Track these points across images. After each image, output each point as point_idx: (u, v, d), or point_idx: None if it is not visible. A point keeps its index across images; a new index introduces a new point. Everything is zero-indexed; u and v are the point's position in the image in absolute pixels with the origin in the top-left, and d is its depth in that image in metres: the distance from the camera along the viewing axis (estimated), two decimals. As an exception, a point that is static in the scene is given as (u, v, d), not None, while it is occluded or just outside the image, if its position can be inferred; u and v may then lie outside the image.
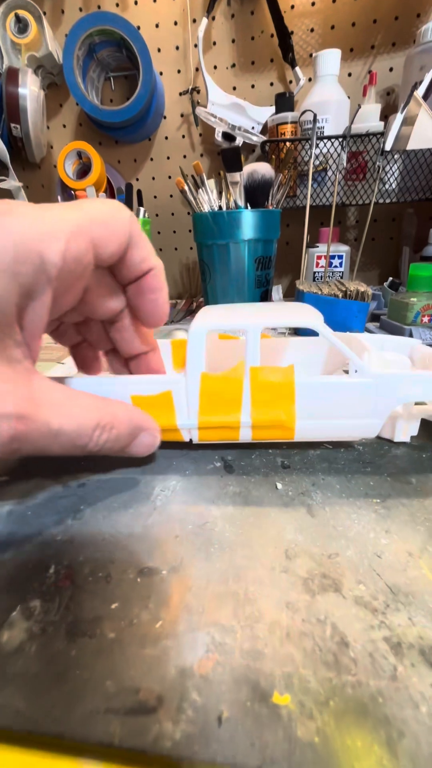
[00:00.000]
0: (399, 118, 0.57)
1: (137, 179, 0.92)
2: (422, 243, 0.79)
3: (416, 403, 0.29)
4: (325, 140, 0.67)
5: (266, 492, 0.25)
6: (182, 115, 0.86)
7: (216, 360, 0.36)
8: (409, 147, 0.56)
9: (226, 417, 0.27)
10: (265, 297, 0.68)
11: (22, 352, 0.19)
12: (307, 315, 0.28)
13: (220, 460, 0.28)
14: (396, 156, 0.68)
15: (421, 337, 0.55)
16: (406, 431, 0.30)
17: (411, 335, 0.55)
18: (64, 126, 0.90)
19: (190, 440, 0.29)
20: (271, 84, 0.82)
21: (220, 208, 0.63)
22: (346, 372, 0.36)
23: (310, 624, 0.16)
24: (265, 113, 0.80)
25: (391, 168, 0.69)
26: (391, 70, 0.78)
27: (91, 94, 0.80)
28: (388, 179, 0.71)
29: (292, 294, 0.94)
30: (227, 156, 0.55)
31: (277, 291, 0.93)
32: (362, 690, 0.14)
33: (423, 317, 0.56)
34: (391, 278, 0.70)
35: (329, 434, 0.28)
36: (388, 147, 0.58)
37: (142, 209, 0.71)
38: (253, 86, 0.82)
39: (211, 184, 0.65)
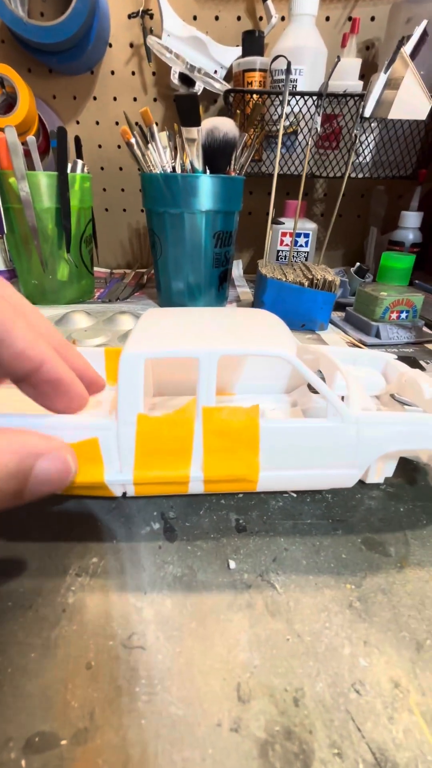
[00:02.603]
0: (382, 79, 0.50)
1: (77, 122, 0.77)
2: (390, 224, 0.74)
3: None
4: (298, 97, 0.58)
5: (215, 573, 0.19)
6: (132, 45, 0.72)
7: (164, 378, 0.30)
8: (392, 115, 0.49)
9: (171, 471, 0.21)
10: (224, 278, 0.61)
11: None
12: (276, 340, 0.22)
13: (159, 519, 0.22)
14: (373, 125, 0.60)
15: (389, 335, 0.51)
16: (380, 473, 0.25)
17: (378, 333, 0.51)
18: (-18, 41, 0.72)
19: (124, 494, 0.23)
20: (239, 18, 0.70)
21: (174, 169, 0.53)
22: (312, 390, 0.30)
23: None
24: (231, 55, 0.68)
25: (366, 138, 0.62)
26: (372, 19, 0.68)
27: (15, 1, 0.64)
28: (363, 151, 0.64)
29: (252, 271, 0.87)
30: (182, 105, 0.45)
31: (237, 267, 0.85)
32: None
33: (392, 313, 0.51)
34: (358, 264, 0.65)
35: (299, 485, 0.23)
36: (367, 113, 0.51)
37: (80, 162, 0.59)
38: (217, 18, 0.70)
39: (163, 138, 0.54)
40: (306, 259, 0.71)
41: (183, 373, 0.29)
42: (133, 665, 0.16)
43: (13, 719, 0.14)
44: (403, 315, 0.52)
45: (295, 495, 0.24)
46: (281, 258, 0.71)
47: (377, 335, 0.51)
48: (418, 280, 0.67)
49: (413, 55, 0.49)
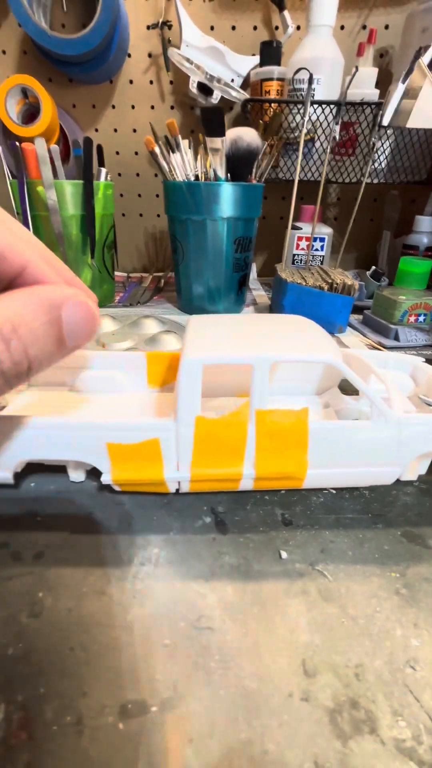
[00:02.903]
0: (400, 88, 0.51)
1: (96, 130, 0.79)
2: (403, 228, 0.76)
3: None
4: (316, 105, 0.59)
5: (269, 563, 0.21)
6: (150, 56, 0.73)
7: (211, 379, 0.31)
8: (410, 125, 0.50)
9: (226, 469, 0.22)
10: (244, 282, 0.62)
11: None
12: (322, 347, 0.23)
13: (209, 513, 0.24)
14: (389, 132, 0.62)
15: (408, 338, 0.52)
16: (415, 471, 0.27)
17: (397, 335, 0.52)
18: (4, 52, 0.74)
19: (177, 490, 0.24)
20: (255, 28, 0.71)
21: (197, 177, 0.55)
22: (343, 390, 0.32)
23: (350, 796, 0.13)
24: (247, 64, 0.69)
25: (383, 145, 0.64)
26: (387, 27, 0.70)
27: (38, 13, 0.65)
28: (378, 157, 0.65)
29: (266, 274, 0.88)
30: (208, 117, 0.46)
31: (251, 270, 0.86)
32: None
33: (410, 317, 0.53)
34: (374, 267, 0.66)
35: (341, 482, 0.24)
36: (385, 122, 0.53)
37: (103, 170, 0.61)
38: (234, 28, 0.71)
39: (184, 145, 0.56)
40: (321, 263, 0.73)
41: (220, 375, 0.30)
42: (205, 644, 0.17)
43: (105, 689, 0.15)
44: (421, 318, 0.53)
45: (334, 491, 0.26)
46: (297, 262, 0.72)
47: (396, 338, 0.53)
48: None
49: (431, 65, 0.50)
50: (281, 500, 0.25)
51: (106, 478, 0.22)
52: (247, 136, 0.49)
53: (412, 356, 0.32)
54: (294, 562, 0.21)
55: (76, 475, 0.25)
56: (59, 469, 0.26)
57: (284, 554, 0.21)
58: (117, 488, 0.23)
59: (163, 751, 0.14)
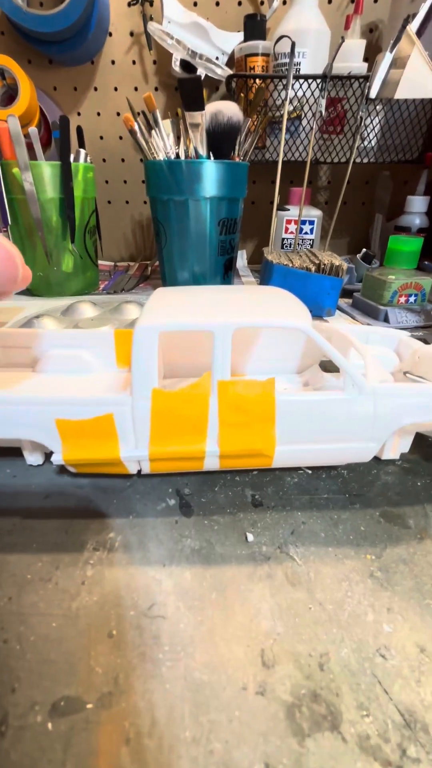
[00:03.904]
0: (387, 58, 0.49)
1: (78, 113, 0.77)
2: (396, 210, 0.73)
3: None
4: (302, 81, 0.57)
5: (234, 546, 0.19)
6: (132, 34, 0.71)
7: (174, 360, 0.29)
8: (398, 95, 0.48)
9: (187, 446, 0.20)
10: (230, 266, 0.60)
11: None
12: (293, 312, 0.21)
13: (174, 495, 0.22)
14: (378, 107, 0.60)
15: (398, 319, 0.50)
16: (396, 448, 0.25)
17: (386, 317, 0.51)
18: (-18, 34, 0.71)
19: (139, 471, 0.22)
20: (239, 3, 0.69)
21: (178, 156, 0.53)
22: (324, 369, 0.30)
23: (302, 802, 0.11)
24: (232, 40, 0.67)
25: (372, 121, 0.61)
26: (375, 1, 0.67)
27: (14, -9, 0.63)
28: (368, 135, 0.63)
29: (257, 261, 0.86)
30: (186, 89, 0.44)
31: (241, 257, 0.84)
32: None
33: (400, 297, 0.51)
34: (364, 250, 0.64)
35: (315, 460, 0.23)
36: (373, 94, 0.50)
37: (83, 152, 0.59)
38: (217, 3, 0.69)
39: (167, 125, 0.54)
40: (311, 247, 0.71)
41: (193, 355, 0.29)
42: (156, 633, 0.16)
43: (38, 685, 0.14)
44: (412, 299, 0.51)
45: (310, 471, 0.24)
46: (286, 246, 0.70)
47: (386, 320, 0.51)
48: (427, 262, 0.66)
49: (419, 32, 0.48)
50: (253, 481, 0.23)
51: (57, 458, 0.20)
52: (228, 109, 0.47)
53: (397, 330, 0.30)
54: (261, 545, 0.19)
55: (34, 458, 0.23)
56: (17, 452, 0.24)
57: (251, 537, 0.20)
58: (72, 470, 0.22)
59: (94, 754, 0.12)
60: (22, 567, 0.18)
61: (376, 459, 0.25)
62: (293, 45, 0.47)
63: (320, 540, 0.20)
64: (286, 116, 0.49)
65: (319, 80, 0.56)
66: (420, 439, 0.27)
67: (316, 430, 0.21)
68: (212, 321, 0.19)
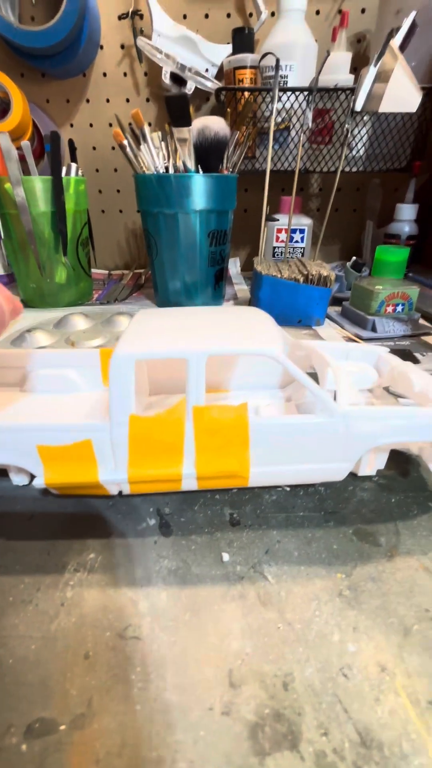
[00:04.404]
0: (372, 72, 0.49)
1: (71, 125, 0.78)
2: (387, 217, 0.74)
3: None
4: (289, 93, 0.58)
5: (209, 567, 0.20)
6: (123, 47, 0.72)
7: (160, 377, 0.30)
8: (382, 109, 0.49)
9: (164, 470, 0.21)
10: (221, 276, 0.61)
11: None
12: (263, 337, 0.22)
13: (155, 515, 0.23)
14: (366, 118, 0.60)
15: (385, 329, 0.51)
16: (372, 465, 0.26)
17: (374, 326, 0.51)
18: (-25, 48, 0.72)
19: (120, 492, 0.23)
20: (228, 15, 0.70)
21: (167, 169, 0.54)
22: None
23: None
24: (221, 53, 0.68)
25: (359, 132, 0.62)
26: (363, 11, 0.68)
27: (5, 7, 0.64)
28: (356, 145, 0.64)
29: (250, 268, 0.87)
30: (172, 105, 0.45)
31: (234, 264, 0.85)
32: None
33: (387, 307, 0.51)
34: (354, 258, 0.65)
35: (290, 479, 0.23)
36: (358, 107, 0.51)
37: (74, 165, 0.59)
38: (207, 16, 0.70)
39: (156, 139, 0.54)
40: (302, 255, 0.71)
41: (178, 371, 0.29)
42: (129, 655, 0.16)
43: (15, 707, 0.15)
44: (399, 308, 0.52)
45: (288, 489, 0.25)
46: (277, 255, 0.71)
47: (373, 329, 0.51)
48: (411, 273, 0.67)
49: (402, 47, 0.49)
50: (231, 499, 0.24)
51: (39, 482, 0.21)
52: (215, 124, 0.48)
53: (376, 346, 0.31)
54: (235, 565, 0.20)
55: (19, 479, 0.24)
56: (2, 473, 0.25)
57: (226, 556, 0.21)
58: (54, 492, 0.23)
59: (65, 774, 0.13)
60: (5, 589, 0.19)
61: (353, 475, 0.26)
62: (278, 61, 0.48)
63: (293, 559, 0.20)
64: (272, 128, 0.50)
65: (306, 92, 0.57)
66: (397, 455, 0.28)
67: (289, 452, 0.21)
68: (186, 349, 0.20)
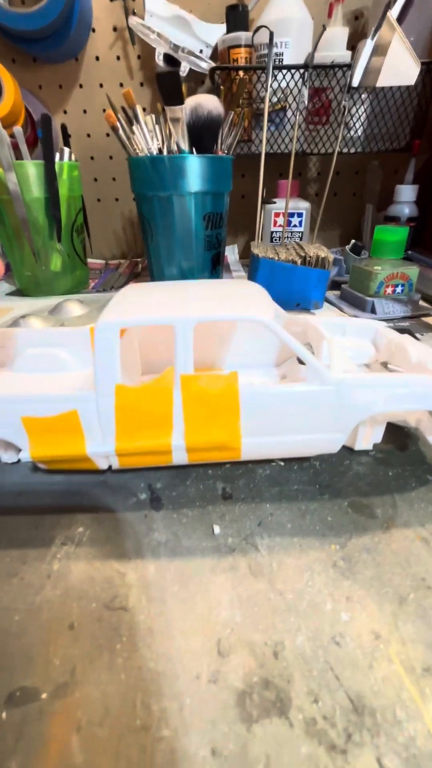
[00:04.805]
0: (369, 45, 0.48)
1: (65, 111, 0.77)
2: (387, 200, 0.73)
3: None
4: (284, 71, 0.57)
5: (200, 539, 0.20)
6: (115, 29, 0.71)
7: (151, 357, 0.29)
8: (380, 83, 0.47)
9: (153, 441, 0.21)
10: (217, 260, 0.60)
11: None
12: (254, 305, 0.21)
13: (146, 490, 0.23)
14: (363, 96, 0.59)
15: (385, 310, 0.50)
16: (368, 439, 0.25)
17: (373, 308, 0.50)
18: (-34, 34, 0.71)
19: (109, 467, 0.23)
20: (223, -5, 0.68)
21: (161, 151, 0.53)
22: (301, 361, 0.30)
23: (243, 786, 0.12)
24: (216, 32, 0.66)
25: (357, 111, 0.61)
26: (360, -13, 0.66)
27: (-5, -10, 0.63)
28: (354, 124, 0.62)
29: (249, 255, 0.86)
30: (164, 83, 0.44)
31: (232, 251, 0.84)
32: None
33: (387, 288, 0.50)
34: (353, 241, 0.64)
35: (283, 452, 0.23)
36: (355, 82, 0.50)
37: (67, 150, 0.58)
38: (200, -4, 0.68)
39: (149, 122, 0.53)
40: (301, 239, 0.70)
41: (170, 351, 0.29)
42: (115, 625, 0.16)
43: (-4, 677, 0.14)
44: (399, 289, 0.51)
45: (282, 463, 0.24)
46: (275, 239, 0.70)
47: (372, 310, 0.51)
48: (411, 251, 0.65)
49: (400, 19, 0.47)
50: (225, 474, 0.24)
51: (24, 455, 0.21)
52: (208, 103, 0.47)
53: (373, 321, 0.30)
54: (227, 537, 0.20)
55: (8, 456, 0.24)
56: (-9, 450, 0.24)
57: (217, 529, 0.20)
58: (43, 467, 0.22)
59: (45, 743, 0.12)
60: (-10, 563, 0.18)
61: (349, 450, 0.25)
62: (272, 35, 0.46)
63: (286, 531, 0.20)
64: (267, 107, 0.49)
65: (301, 70, 0.55)
66: (395, 430, 0.27)
67: (281, 422, 0.21)
68: (173, 315, 0.19)
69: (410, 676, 0.14)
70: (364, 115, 0.61)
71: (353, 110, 0.61)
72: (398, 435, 0.27)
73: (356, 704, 0.13)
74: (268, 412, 0.20)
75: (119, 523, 0.20)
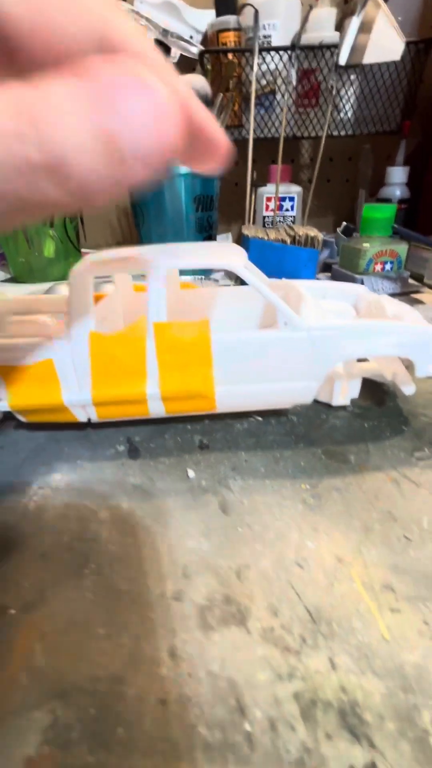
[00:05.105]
0: (355, 22, 0.48)
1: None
2: (379, 185, 0.73)
3: (358, 360, 0.25)
4: (272, 53, 0.57)
5: (174, 482, 0.20)
6: (106, 18, 0.71)
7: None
8: (366, 60, 0.48)
9: (128, 389, 0.21)
10: (208, 244, 0.60)
11: None
12: (227, 254, 0.22)
13: (125, 443, 0.23)
14: (353, 77, 0.59)
15: (374, 287, 0.50)
16: (345, 393, 0.25)
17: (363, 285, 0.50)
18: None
19: (89, 419, 0.23)
20: (212, -19, 0.68)
21: (150, 133, 0.53)
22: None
23: (198, 682, 0.12)
24: (205, 18, 0.67)
25: (347, 92, 0.61)
26: (349, -30, 0.66)
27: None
28: (344, 106, 0.62)
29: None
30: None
31: (227, 239, 0.84)
32: (255, 789, 0.10)
33: (376, 265, 0.51)
34: (345, 223, 0.64)
35: (258, 402, 0.23)
36: (342, 60, 0.50)
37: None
38: (190, -17, 0.68)
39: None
40: (293, 224, 0.71)
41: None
42: (86, 554, 0.16)
43: (-34, 597, 0.15)
44: (388, 266, 0.51)
45: (260, 418, 0.25)
46: (267, 225, 0.70)
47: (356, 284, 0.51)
48: (396, 225, 0.65)
49: (386, -4, 0.48)
50: (203, 429, 0.24)
51: (2, 405, 0.21)
52: (195, 82, 0.47)
53: (355, 285, 0.31)
54: (200, 480, 0.20)
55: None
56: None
57: (191, 473, 0.20)
58: (22, 419, 0.22)
59: (10, 650, 0.13)
60: (-32, 504, 0.19)
61: (327, 406, 0.25)
62: (257, 13, 0.47)
63: (259, 474, 0.20)
64: (254, 89, 0.49)
65: (289, 52, 0.56)
66: (374, 387, 0.27)
67: (254, 370, 0.21)
68: (145, 261, 0.20)
69: (369, 593, 0.14)
70: (354, 96, 0.62)
71: (342, 91, 0.61)
72: (377, 392, 0.27)
73: (314, 616, 0.14)
74: (240, 359, 0.21)
75: (97, 472, 0.21)
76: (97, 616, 0.14)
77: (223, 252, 0.22)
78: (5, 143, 0.08)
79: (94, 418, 0.23)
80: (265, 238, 0.52)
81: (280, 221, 0.69)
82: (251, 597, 0.14)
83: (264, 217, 0.70)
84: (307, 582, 0.15)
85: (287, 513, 0.18)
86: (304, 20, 0.52)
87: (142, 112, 0.08)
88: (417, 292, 0.51)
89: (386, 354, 0.21)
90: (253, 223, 0.69)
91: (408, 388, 0.24)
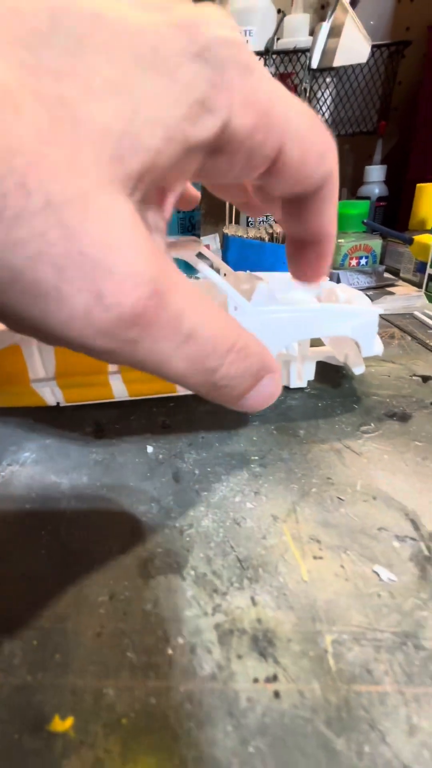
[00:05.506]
0: (325, 27, 0.50)
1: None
2: (359, 185, 0.75)
3: (311, 344, 0.26)
4: (249, 58, 0.59)
5: (133, 457, 0.21)
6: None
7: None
8: (336, 63, 0.50)
9: (90, 369, 0.22)
10: (191, 243, 0.62)
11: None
12: (186, 246, 0.23)
13: (92, 425, 0.24)
14: (328, 80, 0.61)
15: (350, 281, 0.52)
16: (301, 375, 0.27)
17: (338, 280, 0.52)
18: None
19: (57, 404, 0.25)
20: (192, -10, 0.71)
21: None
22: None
23: (132, 618, 0.13)
24: (186, 26, 0.69)
25: (323, 94, 0.63)
26: (324, -23, 0.69)
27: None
28: (320, 108, 0.64)
29: (229, 243, 0.88)
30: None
31: (213, 240, 0.86)
32: (169, 698, 0.11)
33: (351, 260, 0.52)
34: (324, 221, 0.66)
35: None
36: (314, 63, 0.52)
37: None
38: (170, -8, 0.71)
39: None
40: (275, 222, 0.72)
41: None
42: (42, 518, 0.18)
43: None
44: (363, 261, 0.53)
45: (222, 401, 0.26)
46: (251, 225, 0.72)
47: (337, 282, 0.52)
48: (365, 221, 0.66)
49: (353, 2, 0.50)
50: (168, 411, 0.25)
51: (-26, 389, 0.23)
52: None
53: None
54: (158, 454, 0.21)
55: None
56: None
57: (150, 449, 0.22)
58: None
59: (-33, 595, 0.14)
60: None
61: (285, 388, 0.27)
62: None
63: (213, 449, 0.22)
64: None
65: (265, 56, 0.58)
66: (332, 370, 0.29)
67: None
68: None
69: (296, 543, 0.16)
70: (330, 98, 0.64)
71: (319, 94, 0.63)
72: (334, 375, 0.28)
73: (243, 564, 0.15)
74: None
75: (62, 450, 0.22)
76: (48, 570, 0.15)
77: (184, 248, 0.24)
78: None
79: (63, 402, 0.24)
80: (244, 236, 0.54)
81: (261, 221, 0.71)
82: (190, 550, 0.16)
83: (247, 217, 0.72)
84: (242, 537, 0.16)
85: (233, 480, 0.19)
86: (277, 27, 0.54)
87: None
88: (392, 285, 0.52)
89: (333, 335, 0.23)
90: (237, 223, 0.70)
91: (358, 369, 0.25)
